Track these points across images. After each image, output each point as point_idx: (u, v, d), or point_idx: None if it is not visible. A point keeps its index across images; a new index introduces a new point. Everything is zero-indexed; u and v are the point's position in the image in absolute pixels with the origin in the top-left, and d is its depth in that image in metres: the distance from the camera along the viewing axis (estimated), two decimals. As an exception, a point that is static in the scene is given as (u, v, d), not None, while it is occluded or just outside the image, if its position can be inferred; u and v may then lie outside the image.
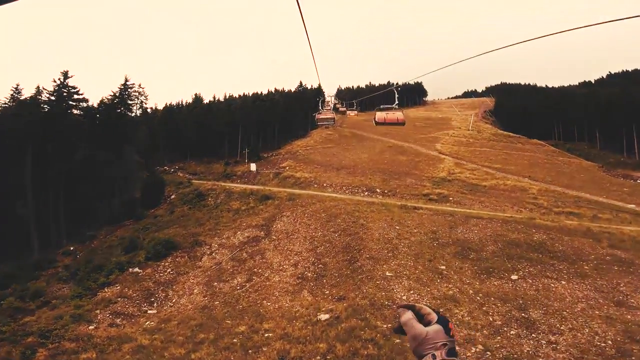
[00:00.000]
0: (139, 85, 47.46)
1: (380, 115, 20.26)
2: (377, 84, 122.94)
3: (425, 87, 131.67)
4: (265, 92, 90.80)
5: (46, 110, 39.65)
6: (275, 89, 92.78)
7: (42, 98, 39.11)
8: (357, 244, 26.10)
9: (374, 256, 24.11)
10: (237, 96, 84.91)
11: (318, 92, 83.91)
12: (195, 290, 23.59)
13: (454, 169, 50.95)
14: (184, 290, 23.67)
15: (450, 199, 39.09)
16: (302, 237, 29.03)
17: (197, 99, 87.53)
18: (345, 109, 70.29)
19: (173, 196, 48.52)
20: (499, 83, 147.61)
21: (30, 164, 34.68)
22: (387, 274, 21.73)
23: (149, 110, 49.18)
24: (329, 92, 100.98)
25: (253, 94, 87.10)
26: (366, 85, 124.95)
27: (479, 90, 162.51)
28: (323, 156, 59.88)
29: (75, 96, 40.46)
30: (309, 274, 24.13)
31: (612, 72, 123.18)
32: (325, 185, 44.47)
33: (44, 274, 27.85)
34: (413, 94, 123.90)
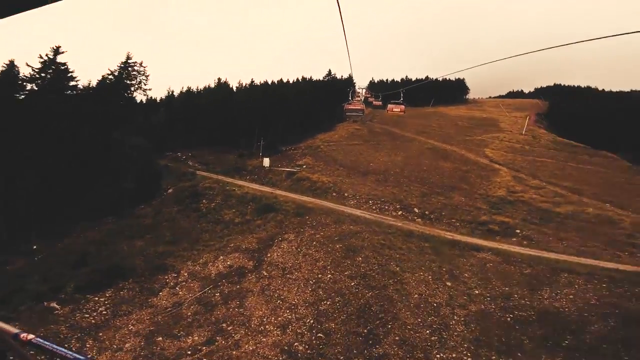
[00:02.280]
0: (140, 63, 40.04)
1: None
2: (414, 78, 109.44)
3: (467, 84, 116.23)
4: (291, 80, 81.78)
5: (28, 88, 33.11)
6: (303, 77, 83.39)
7: (23, 75, 32.53)
8: (383, 308, 16.93)
9: (407, 340, 14.85)
10: (259, 83, 76.54)
11: (349, 82, 74.00)
12: (126, 346, 15.52)
13: (514, 186, 39.71)
14: (111, 343, 15.62)
15: (517, 231, 28.56)
16: (303, 278, 20.22)
17: (219, 84, 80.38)
18: (380, 102, 61.16)
19: (170, 190, 41.37)
20: (552, 85, 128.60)
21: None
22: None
23: (147, 91, 41.45)
24: (360, 84, 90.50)
25: (278, 81, 78.22)
26: (402, 79, 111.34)
27: (526, 91, 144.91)
28: (347, 155, 50.36)
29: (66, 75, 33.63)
30: (301, 348, 15.43)
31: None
32: (346, 195, 35.18)
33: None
34: (453, 90, 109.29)
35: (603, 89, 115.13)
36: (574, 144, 71.51)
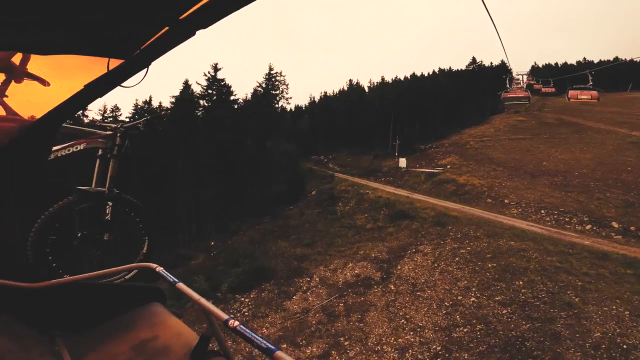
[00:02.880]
0: (280, 73, 44.09)
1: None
2: (596, 60, 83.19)
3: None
4: (426, 73, 74.41)
5: (202, 103, 41.31)
6: (440, 69, 74.57)
7: (196, 91, 40.86)
8: (543, 344, 11.72)
9: None
10: (390, 80, 72.99)
11: (501, 69, 61.13)
12: (255, 350, 15.74)
13: None
14: (244, 346, 16.19)
15: None
16: (436, 298, 16.39)
17: (351, 85, 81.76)
18: (540, 86, 49.33)
19: (313, 192, 43.80)
20: None
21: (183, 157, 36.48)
22: None
23: (289, 99, 45.19)
24: (518, 70, 73.75)
25: (411, 75, 72.53)
26: (578, 62, 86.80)
27: None
28: (508, 152, 40.84)
29: (225, 90, 40.71)
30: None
31: None
32: (507, 202, 27.90)
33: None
34: None
35: None
36: None
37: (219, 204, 40.28)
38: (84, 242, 2.23)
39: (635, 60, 61.80)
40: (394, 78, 73.22)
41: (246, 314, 19.03)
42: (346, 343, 15.13)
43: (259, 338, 0.97)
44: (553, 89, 44.36)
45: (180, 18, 1.12)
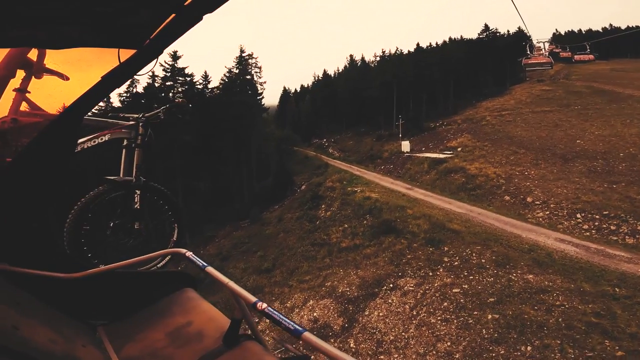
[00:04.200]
0: (251, 55, 37.69)
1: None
2: (623, 26, 72.36)
3: None
4: (433, 43, 64.81)
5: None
6: (450, 38, 64.76)
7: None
8: None
9: None
10: (393, 52, 63.90)
11: (520, 37, 52.49)
12: None
13: None
14: None
15: None
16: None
17: (352, 61, 73.14)
18: (569, 54, 48.30)
19: (304, 186, 38.44)
20: None
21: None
22: None
23: (262, 84, 38.79)
24: (540, 37, 65.20)
25: (415, 48, 63.11)
26: (604, 29, 78.62)
27: None
28: (534, 128, 33.31)
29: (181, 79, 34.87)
30: None
31: None
32: (530, 200, 21.45)
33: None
34: None
35: None
36: None
37: (195, 206, 35.80)
38: (116, 231, 2.24)
39: None
40: (398, 50, 63.89)
41: None
42: None
43: (287, 320, 0.96)
44: (591, 56, 40.19)
45: (186, 4, 1.14)
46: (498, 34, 58.06)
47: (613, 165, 22.98)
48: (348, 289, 16.22)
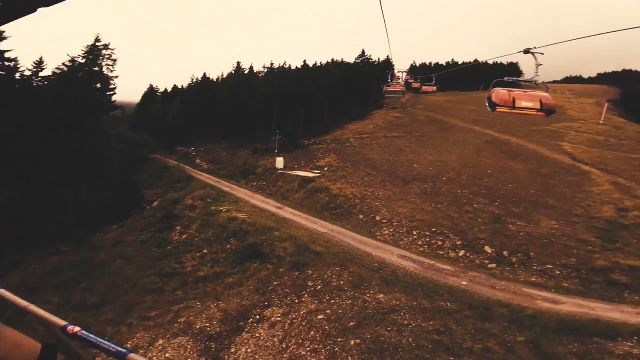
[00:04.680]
0: (106, 45, 31.34)
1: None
2: (460, 61, 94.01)
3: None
4: (318, 62, 69.86)
5: None
6: (333, 59, 71.16)
7: None
8: None
9: None
10: (278, 66, 65.64)
11: (386, 64, 61.19)
12: None
13: (622, 199, 25.71)
14: None
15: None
16: None
17: (238, 68, 70.66)
18: (418, 84, 52.16)
19: (156, 202, 33.20)
20: (619, 70, 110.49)
21: None
22: None
23: (113, 78, 32.47)
24: (400, 67, 78.02)
25: (302, 65, 66.77)
26: (447, 63, 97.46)
27: (585, 76, 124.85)
28: (384, 152, 38.68)
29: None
30: None
31: None
32: (379, 218, 24.20)
33: None
34: (505, 75, 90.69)
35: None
36: (665, 136, 52.21)
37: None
38: None
39: (488, 62, 69.98)
40: (283, 64, 65.15)
41: None
42: None
43: (107, 342, 0.87)
44: (434, 88, 46.20)
45: None
46: (370, 60, 65.94)
47: (439, 187, 28.54)
48: (208, 324, 14.24)
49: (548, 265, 18.85)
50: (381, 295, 14.73)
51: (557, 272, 18.47)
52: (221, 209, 25.40)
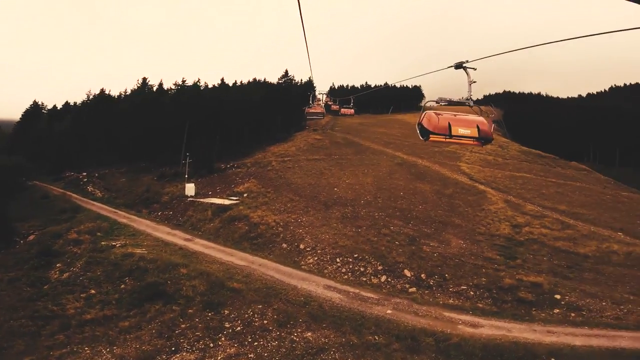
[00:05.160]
0: None
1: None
2: (373, 84, 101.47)
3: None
4: (238, 82, 68.12)
5: None
6: (255, 79, 70.30)
7: None
8: None
9: None
10: (192, 83, 61.75)
11: (308, 86, 62.75)
12: None
13: (514, 216, 30.24)
14: None
15: (558, 297, 18.64)
16: None
17: (144, 84, 63.66)
18: (338, 107, 53.78)
19: (32, 236, 26.40)
20: (501, 92, 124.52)
21: None
22: None
23: None
24: (321, 89, 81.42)
25: (219, 83, 64.14)
26: (361, 86, 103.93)
27: (474, 98, 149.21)
28: (307, 175, 38.42)
29: None
30: None
31: (616, 85, 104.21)
32: (303, 247, 23.10)
33: None
34: (410, 97, 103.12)
35: (556, 96, 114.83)
36: (541, 154, 65.20)
37: None
38: None
39: (396, 85, 77.01)
40: (197, 81, 60.74)
41: None
42: None
43: None
44: (352, 110, 47.73)
45: None
46: (294, 82, 66.23)
47: (358, 211, 29.04)
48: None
49: (463, 287, 19.87)
50: (309, 334, 13.39)
51: (472, 292, 19.59)
52: (114, 243, 21.10)
